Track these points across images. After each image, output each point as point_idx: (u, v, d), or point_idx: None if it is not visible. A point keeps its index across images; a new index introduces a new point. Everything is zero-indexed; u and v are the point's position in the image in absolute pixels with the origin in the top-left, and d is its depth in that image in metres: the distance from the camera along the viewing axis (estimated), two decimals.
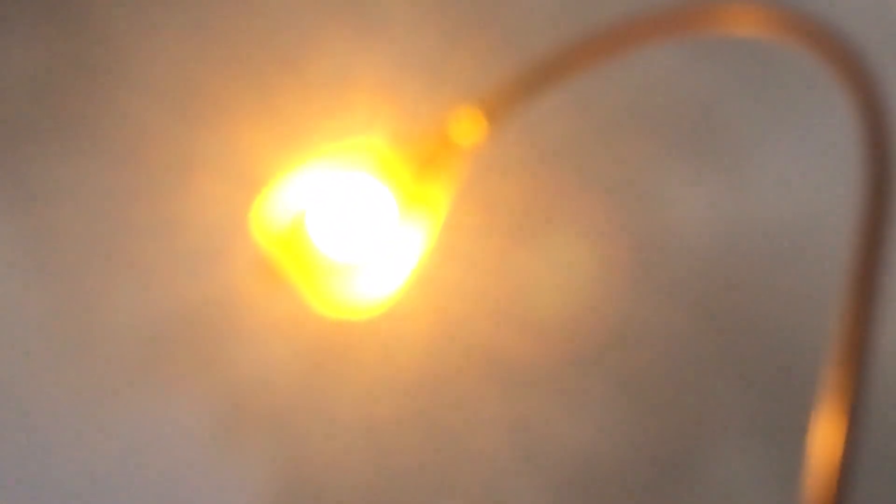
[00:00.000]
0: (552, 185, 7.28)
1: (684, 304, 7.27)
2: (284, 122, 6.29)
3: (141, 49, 7.93)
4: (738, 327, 7.29)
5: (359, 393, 7.61)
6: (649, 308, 7.31)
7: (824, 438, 2.18)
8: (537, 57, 2.83)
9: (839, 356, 2.25)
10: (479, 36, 6.87)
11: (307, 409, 8.09)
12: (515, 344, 7.29)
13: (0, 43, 8.04)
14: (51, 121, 8.16)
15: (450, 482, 8.18)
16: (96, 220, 8.34)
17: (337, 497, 8.38)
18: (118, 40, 7.86)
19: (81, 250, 8.38)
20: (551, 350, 7.15)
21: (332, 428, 8.07)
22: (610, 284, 7.40)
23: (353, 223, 3.17)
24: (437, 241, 3.18)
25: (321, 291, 3.16)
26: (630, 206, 7.57)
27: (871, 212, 2.38)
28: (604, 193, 7.51)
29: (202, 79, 7.82)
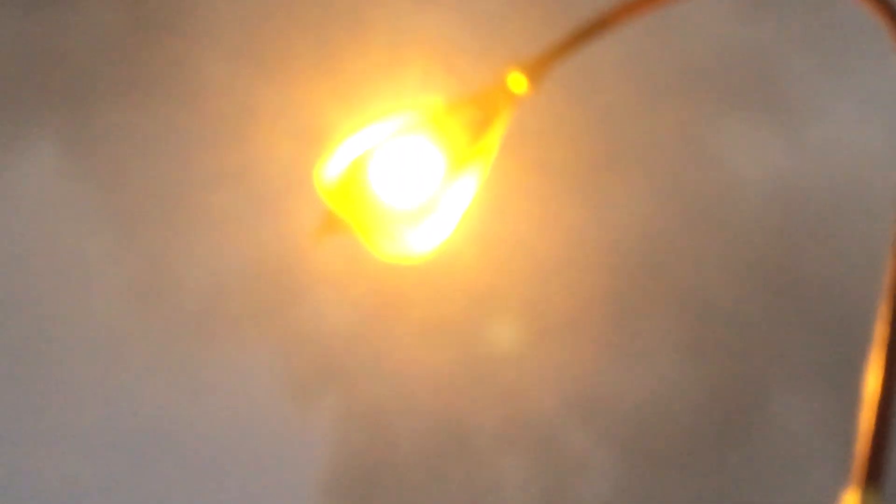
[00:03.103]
0: (605, 145, 7.25)
1: (741, 256, 7.22)
2: (344, 77, 6.33)
3: (207, 6, 7.95)
4: (795, 278, 7.22)
5: (415, 342, 7.61)
6: (705, 262, 7.27)
7: (875, 384, 2.30)
8: (584, 16, 2.92)
9: (890, 303, 2.34)
10: (527, 8, 6.94)
11: (366, 357, 8.10)
12: (566, 298, 7.34)
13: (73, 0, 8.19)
14: (121, 75, 8.25)
15: (508, 432, 8.27)
16: (164, 171, 8.39)
17: (398, 443, 8.44)
18: (201, 9, 7.97)
19: (148, 200, 8.44)
20: (603, 304, 7.20)
21: (391, 377, 8.10)
22: (665, 239, 7.37)
23: (407, 174, 3.06)
24: (491, 197, 3.24)
25: (378, 237, 3.09)
26: (684, 162, 7.49)
27: None
28: (657, 151, 7.45)
29: (265, 35, 7.83)
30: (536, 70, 3.04)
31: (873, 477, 2.09)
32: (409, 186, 2.92)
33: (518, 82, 2.95)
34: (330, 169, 2.92)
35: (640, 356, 7.47)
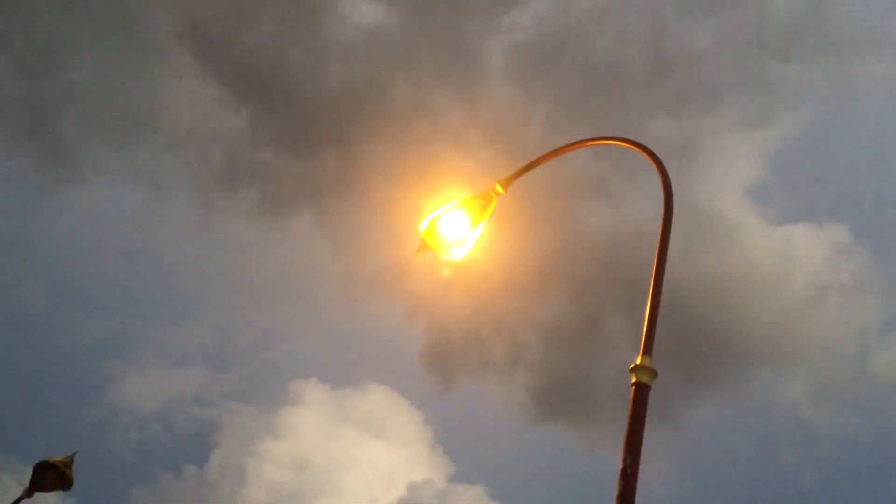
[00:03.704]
0: (536, 215, 8.00)
1: (598, 263, 7.71)
2: (428, 185, 7.28)
3: (374, 155, 9.13)
4: (621, 268, 7.95)
5: (460, 295, 8.55)
6: (583, 266, 7.92)
7: (650, 309, 2.78)
8: (527, 161, 3.46)
9: (655, 277, 2.91)
10: (504, 156, 7.83)
11: (441, 303, 9.16)
12: (521, 278, 7.99)
13: (292, 162, 9.49)
14: (338, 187, 9.49)
15: (500, 334, 9.09)
16: (355, 226, 9.70)
17: (454, 345, 9.47)
18: (364, 154, 9.08)
19: (348, 238, 9.77)
20: (538, 281, 7.85)
21: (453, 312, 9.13)
22: (563, 256, 8.10)
23: (453, 226, 3.79)
24: (489, 236, 3.73)
25: (442, 252, 3.84)
26: (573, 223, 8.32)
27: (665, 224, 3.08)
28: (560, 217, 8.29)
29: (398, 167, 8.99)
30: (506, 183, 3.78)
31: (648, 349, 2.73)
32: (454, 231, 3.72)
33: (499, 188, 3.72)
34: (423, 222, 3.71)
35: (551, 301, 8.17)
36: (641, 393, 2.52)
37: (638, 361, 2.57)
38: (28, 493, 4.92)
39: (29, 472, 5.02)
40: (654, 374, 2.57)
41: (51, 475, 4.87)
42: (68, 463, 4.95)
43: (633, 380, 2.55)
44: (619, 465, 2.38)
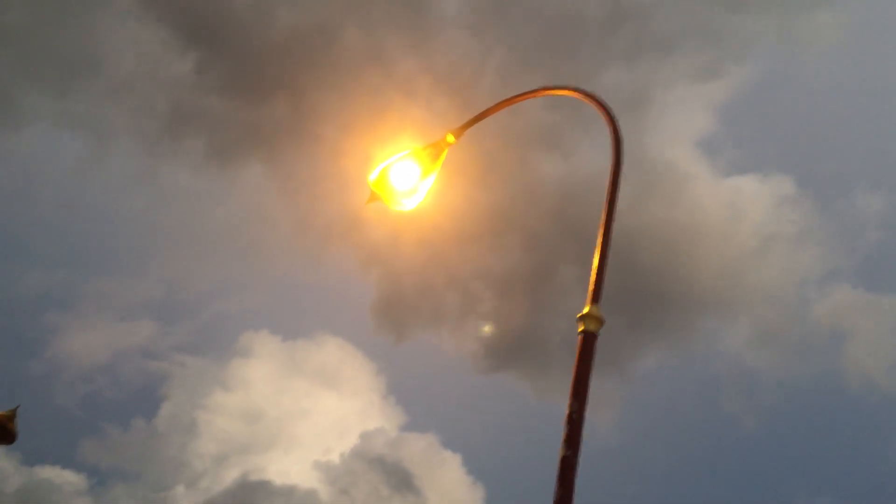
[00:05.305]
0: (488, 164, 8.05)
1: (548, 212, 7.89)
2: (380, 134, 7.16)
3: (324, 103, 8.97)
4: (568, 216, 8.07)
5: (411, 244, 8.53)
6: (533, 214, 8.07)
7: (597, 257, 2.81)
8: (479, 111, 3.46)
9: (603, 227, 2.91)
10: (456, 106, 7.81)
11: (394, 250, 9.12)
12: (471, 225, 7.98)
13: (241, 107, 9.30)
14: (287, 136, 9.29)
15: (451, 283, 9.24)
16: (306, 175, 9.50)
17: (407, 294, 9.45)
18: (314, 102, 8.88)
19: (298, 186, 9.62)
20: (489, 230, 7.92)
21: (405, 260, 9.12)
22: (514, 207, 8.13)
23: (404, 175, 3.74)
24: (439, 186, 3.71)
25: (392, 202, 3.79)
26: (526, 172, 8.36)
27: (613, 175, 3.09)
28: (512, 166, 8.32)
29: (351, 116, 8.84)
30: (458, 133, 3.76)
31: (596, 298, 2.68)
32: (405, 181, 3.67)
33: (451, 138, 3.69)
34: (373, 172, 3.66)
35: (502, 251, 8.21)
36: (589, 341, 2.51)
37: (586, 310, 2.56)
38: None
39: None
40: (601, 322, 2.58)
41: None
42: (11, 416, 4.90)
43: (581, 328, 2.54)
44: (566, 412, 2.40)
